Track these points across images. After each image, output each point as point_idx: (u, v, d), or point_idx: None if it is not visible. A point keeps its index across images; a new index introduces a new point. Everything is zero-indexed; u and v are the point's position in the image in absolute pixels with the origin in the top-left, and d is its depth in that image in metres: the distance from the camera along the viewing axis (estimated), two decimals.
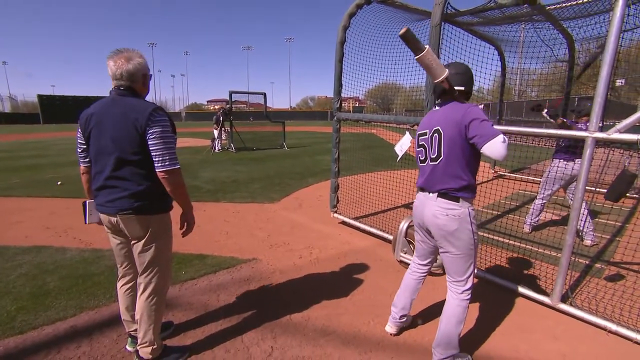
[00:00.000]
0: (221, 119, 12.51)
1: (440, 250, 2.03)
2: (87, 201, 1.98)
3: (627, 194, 2.37)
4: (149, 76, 1.88)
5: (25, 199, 5.79)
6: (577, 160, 3.78)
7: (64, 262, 3.34)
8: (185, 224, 1.99)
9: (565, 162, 3.86)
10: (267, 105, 15.19)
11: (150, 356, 1.94)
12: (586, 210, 3.64)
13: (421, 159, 2.08)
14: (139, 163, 1.75)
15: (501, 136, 1.71)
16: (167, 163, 1.74)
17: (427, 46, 1.85)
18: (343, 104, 4.45)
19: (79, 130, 1.84)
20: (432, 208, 1.95)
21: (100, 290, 2.80)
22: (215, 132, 12.71)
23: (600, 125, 2.24)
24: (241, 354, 2.13)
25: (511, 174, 7.57)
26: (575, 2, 4.12)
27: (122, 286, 2.07)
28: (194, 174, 8.04)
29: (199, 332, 2.32)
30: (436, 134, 1.94)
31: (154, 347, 1.94)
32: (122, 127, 1.71)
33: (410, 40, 1.84)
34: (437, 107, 2.06)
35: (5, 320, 2.39)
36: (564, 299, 2.56)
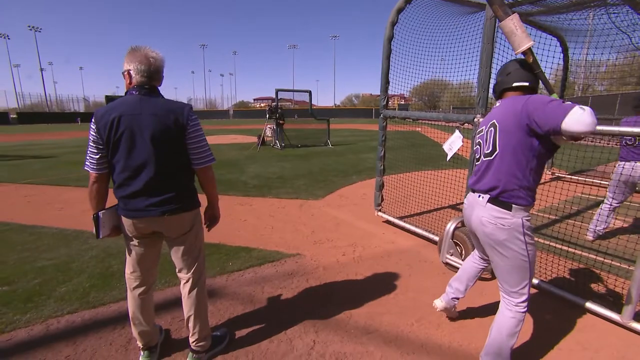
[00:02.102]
0: (267, 116, 12.89)
1: (489, 258, 1.89)
2: (101, 212, 1.84)
3: None
4: None
5: None
6: None
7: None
8: (210, 217, 2.05)
9: (634, 163, 3.49)
10: (312, 103, 15.36)
11: (206, 348, 2.04)
12: None
13: (476, 157, 1.97)
14: (179, 161, 1.80)
15: (577, 106, 1.45)
16: (210, 158, 1.87)
17: (513, 10, 1.78)
18: (389, 102, 4.37)
19: (95, 134, 1.69)
20: (480, 214, 1.81)
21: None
22: (268, 130, 13.08)
23: None
24: (284, 345, 2.20)
25: (571, 176, 6.91)
26: None
27: (140, 294, 1.96)
28: (241, 170, 8.39)
29: (243, 322, 2.43)
30: (492, 128, 1.82)
31: (208, 340, 2.06)
32: (162, 126, 1.71)
33: (496, 2, 1.78)
34: (497, 104, 1.94)
35: (81, 295, 2.72)
36: (638, 317, 2.31)
